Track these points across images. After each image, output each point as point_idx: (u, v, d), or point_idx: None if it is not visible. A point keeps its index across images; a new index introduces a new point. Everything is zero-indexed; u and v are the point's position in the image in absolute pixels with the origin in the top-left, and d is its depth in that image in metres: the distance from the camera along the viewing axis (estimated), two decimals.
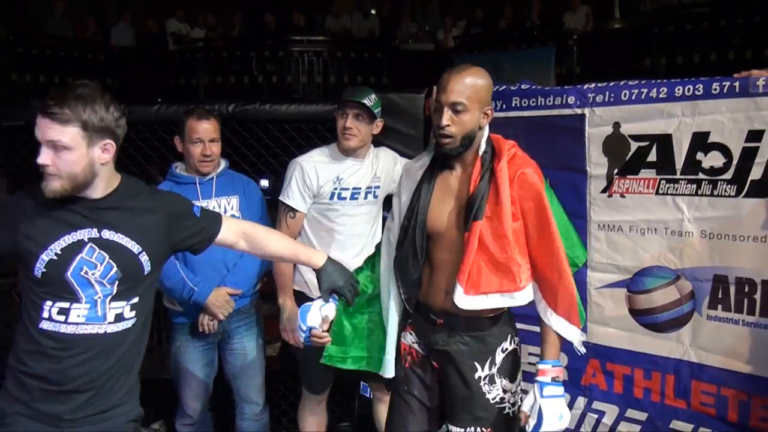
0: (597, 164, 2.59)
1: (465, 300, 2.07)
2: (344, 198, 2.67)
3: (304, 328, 2.12)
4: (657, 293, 2.50)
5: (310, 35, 10.04)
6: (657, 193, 2.47)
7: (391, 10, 10.80)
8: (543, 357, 2.14)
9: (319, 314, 2.12)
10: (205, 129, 2.70)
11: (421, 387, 2.26)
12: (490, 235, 2.06)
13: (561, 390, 2.09)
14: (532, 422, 2.07)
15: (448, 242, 2.16)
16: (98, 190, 1.84)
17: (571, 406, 2.64)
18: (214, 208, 2.68)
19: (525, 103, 2.75)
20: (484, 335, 2.17)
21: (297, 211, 2.65)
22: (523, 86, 2.79)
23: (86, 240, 1.82)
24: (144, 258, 1.89)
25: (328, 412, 3.00)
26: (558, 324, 2.12)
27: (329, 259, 2.16)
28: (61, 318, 1.81)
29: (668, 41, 8.01)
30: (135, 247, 1.87)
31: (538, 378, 2.10)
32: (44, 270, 1.79)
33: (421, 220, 2.18)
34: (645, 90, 2.45)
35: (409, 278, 2.22)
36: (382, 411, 2.78)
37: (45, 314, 1.82)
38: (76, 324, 1.82)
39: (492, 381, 2.16)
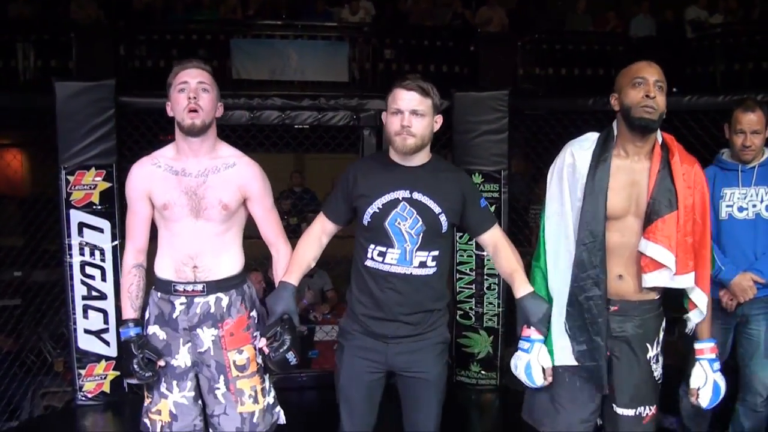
0: None
1: (678, 279, 2.19)
2: None
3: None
4: None
5: None
6: None
7: None
8: (700, 337, 2.31)
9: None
10: (749, 120, 2.89)
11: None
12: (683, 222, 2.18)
13: (719, 365, 2.31)
14: (707, 397, 2.27)
15: (624, 226, 2.22)
16: (416, 160, 2.35)
17: None
18: (751, 196, 2.89)
19: None
20: (653, 317, 2.28)
21: None
22: None
23: (401, 199, 2.32)
24: (443, 218, 2.33)
25: None
26: (700, 298, 2.24)
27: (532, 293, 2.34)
28: (380, 259, 2.34)
29: None
30: (437, 208, 2.32)
31: (704, 356, 2.29)
32: (370, 220, 2.33)
33: (603, 199, 2.20)
34: None
35: (599, 262, 2.22)
36: None
37: (369, 254, 2.36)
38: (390, 264, 2.33)
39: (657, 360, 2.31)
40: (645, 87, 2.15)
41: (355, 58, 9.90)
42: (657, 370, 2.32)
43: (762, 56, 9.08)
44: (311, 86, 9.27)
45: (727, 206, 2.97)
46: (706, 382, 2.27)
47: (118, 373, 3.78)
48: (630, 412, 2.28)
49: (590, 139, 2.32)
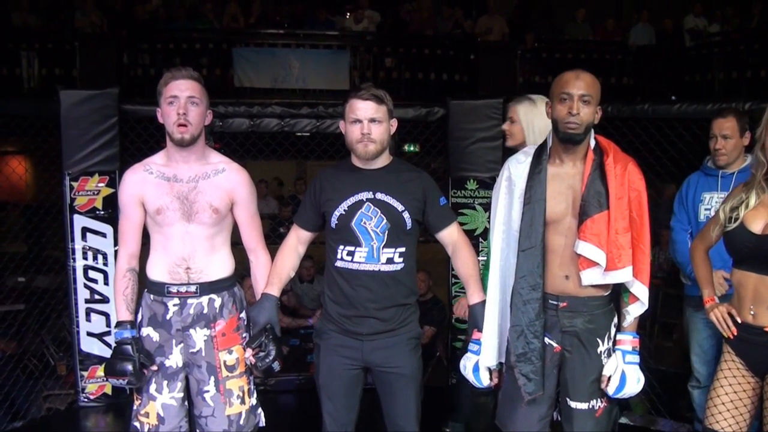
0: None
1: (610, 275, 2.25)
2: None
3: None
4: None
5: None
6: None
7: None
8: (623, 329, 2.36)
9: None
10: (719, 125, 3.05)
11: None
12: (614, 220, 2.25)
13: (638, 358, 2.34)
14: (614, 385, 2.31)
15: (565, 228, 2.31)
16: (378, 163, 2.48)
17: None
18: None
19: None
20: (602, 312, 2.34)
21: None
22: None
23: (365, 200, 2.44)
24: (406, 215, 2.44)
25: None
26: (640, 291, 2.29)
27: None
28: (349, 258, 2.44)
29: None
30: (400, 206, 2.44)
31: (620, 347, 2.34)
32: (337, 222, 2.44)
33: (540, 208, 2.29)
34: None
35: (535, 267, 2.29)
36: None
37: (338, 255, 2.46)
38: (358, 263, 2.43)
39: (609, 354, 2.36)
40: (569, 103, 2.23)
41: (357, 67, 10.03)
42: (607, 365, 2.36)
43: (760, 64, 9.16)
44: (313, 94, 9.38)
45: (706, 209, 3.10)
46: (615, 371, 2.32)
47: None
48: (583, 405, 2.35)
49: (527, 152, 2.43)
